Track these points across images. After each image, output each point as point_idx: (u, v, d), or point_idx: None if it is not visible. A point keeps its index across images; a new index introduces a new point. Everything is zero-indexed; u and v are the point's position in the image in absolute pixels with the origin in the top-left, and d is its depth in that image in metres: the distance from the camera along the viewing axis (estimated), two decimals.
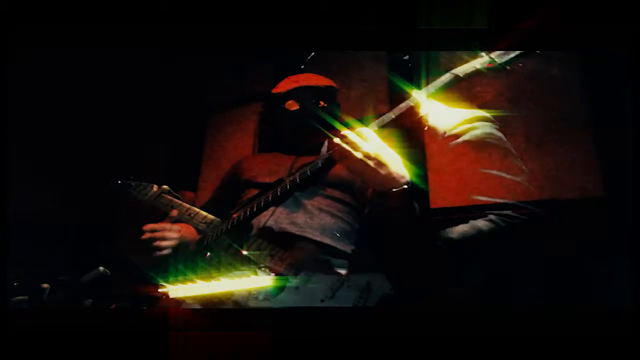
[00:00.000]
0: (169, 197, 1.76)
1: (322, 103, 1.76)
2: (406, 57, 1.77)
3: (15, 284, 1.62)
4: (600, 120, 1.72)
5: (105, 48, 1.75)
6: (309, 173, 1.45)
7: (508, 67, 1.31)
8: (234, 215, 1.58)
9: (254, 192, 1.66)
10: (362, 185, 1.62)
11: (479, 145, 1.64)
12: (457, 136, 1.54)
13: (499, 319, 1.46)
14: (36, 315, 1.56)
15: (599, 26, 1.51)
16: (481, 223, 1.56)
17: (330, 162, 1.42)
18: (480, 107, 1.72)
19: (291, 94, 1.78)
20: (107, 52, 1.85)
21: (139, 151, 2.36)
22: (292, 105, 1.77)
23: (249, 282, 1.47)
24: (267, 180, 1.65)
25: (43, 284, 1.60)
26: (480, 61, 1.33)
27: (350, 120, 1.62)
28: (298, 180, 1.47)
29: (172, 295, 1.52)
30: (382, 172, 1.34)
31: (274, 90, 1.82)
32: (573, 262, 1.58)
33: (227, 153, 2.40)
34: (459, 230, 1.56)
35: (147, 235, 1.62)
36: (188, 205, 1.70)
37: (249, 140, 2.37)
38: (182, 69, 2.33)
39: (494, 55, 1.31)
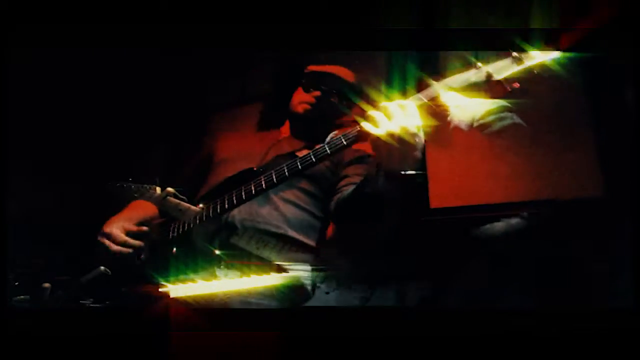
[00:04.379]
0: (176, 200, 1.68)
1: (333, 99, 1.71)
2: None
3: (15, 284, 1.62)
4: (600, 120, 1.72)
5: (105, 48, 1.75)
6: (313, 159, 1.38)
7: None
8: (201, 207, 1.55)
9: (224, 174, 1.61)
10: (331, 176, 1.60)
11: (508, 135, 1.63)
12: (484, 127, 1.50)
13: (499, 319, 1.46)
14: (37, 315, 1.56)
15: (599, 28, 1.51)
16: (514, 221, 1.56)
17: (355, 140, 1.36)
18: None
19: (318, 79, 1.74)
20: (106, 52, 1.84)
21: (138, 151, 2.35)
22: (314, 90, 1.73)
23: (250, 282, 1.47)
24: (241, 166, 1.62)
25: (43, 283, 1.60)
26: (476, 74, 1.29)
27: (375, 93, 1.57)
28: (299, 165, 1.40)
29: (172, 295, 1.52)
30: (400, 149, 1.29)
31: (311, 68, 1.78)
32: (573, 262, 1.58)
33: None
34: (498, 228, 1.56)
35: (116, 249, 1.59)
36: (197, 208, 1.63)
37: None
38: (182, 69, 2.33)
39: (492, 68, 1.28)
